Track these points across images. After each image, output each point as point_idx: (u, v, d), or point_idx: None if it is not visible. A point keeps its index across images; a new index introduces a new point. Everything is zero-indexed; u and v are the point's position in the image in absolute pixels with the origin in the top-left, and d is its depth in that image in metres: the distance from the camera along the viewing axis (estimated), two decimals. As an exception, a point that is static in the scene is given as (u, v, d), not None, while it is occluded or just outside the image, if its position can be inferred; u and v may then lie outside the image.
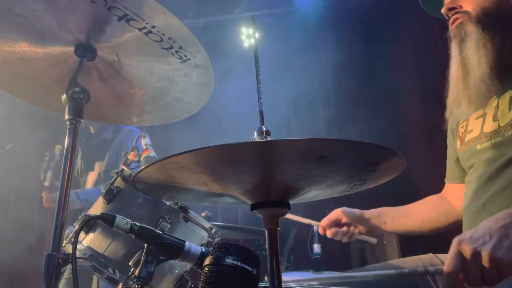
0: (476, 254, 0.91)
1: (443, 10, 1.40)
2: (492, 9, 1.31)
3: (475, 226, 1.27)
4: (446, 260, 1.35)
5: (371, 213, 1.57)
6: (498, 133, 1.27)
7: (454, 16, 1.37)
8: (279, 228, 0.85)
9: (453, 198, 1.53)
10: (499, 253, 0.90)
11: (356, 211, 1.56)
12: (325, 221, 1.59)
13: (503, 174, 1.24)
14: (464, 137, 1.41)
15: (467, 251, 0.92)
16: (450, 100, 1.41)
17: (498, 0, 1.32)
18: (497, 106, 1.29)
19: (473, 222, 1.31)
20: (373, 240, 1.59)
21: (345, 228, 1.56)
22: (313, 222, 1.65)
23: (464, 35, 1.34)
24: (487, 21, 1.31)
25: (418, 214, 1.56)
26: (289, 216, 1.55)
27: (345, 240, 1.58)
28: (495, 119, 1.29)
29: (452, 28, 1.39)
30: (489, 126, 1.30)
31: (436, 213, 1.54)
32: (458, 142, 1.45)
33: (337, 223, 1.57)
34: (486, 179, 1.28)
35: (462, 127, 1.44)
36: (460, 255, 0.93)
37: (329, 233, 1.58)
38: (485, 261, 0.90)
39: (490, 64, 1.28)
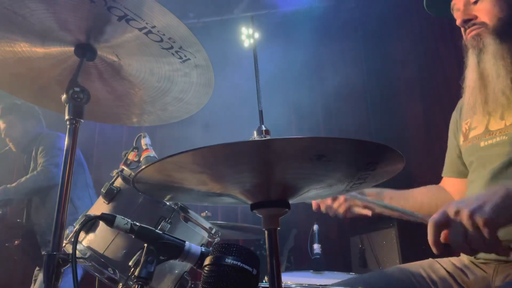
0: (458, 213, 0.93)
1: (458, 23, 1.39)
2: (508, 19, 1.31)
3: None
4: (446, 264, 1.36)
5: (369, 191, 1.52)
6: (503, 132, 1.28)
7: (473, 27, 1.35)
8: (279, 228, 0.85)
9: (451, 191, 1.53)
10: (478, 213, 0.91)
11: None
12: None
13: (508, 173, 1.23)
14: (468, 133, 1.41)
15: (451, 210, 0.94)
16: (466, 109, 1.41)
17: (511, 10, 1.31)
18: (506, 105, 1.29)
19: None
20: (368, 213, 1.54)
21: (341, 199, 1.46)
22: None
23: (483, 47, 1.33)
24: (505, 32, 1.30)
25: (417, 198, 1.55)
26: None
27: (340, 211, 1.47)
28: (502, 118, 1.30)
29: (468, 38, 1.38)
30: (496, 124, 1.31)
31: (434, 200, 1.53)
32: (461, 138, 1.45)
33: (333, 198, 1.48)
34: (490, 178, 1.27)
35: (466, 123, 1.44)
36: (444, 213, 0.96)
37: (322, 206, 1.50)
38: (464, 219, 0.92)
39: (511, 76, 1.27)
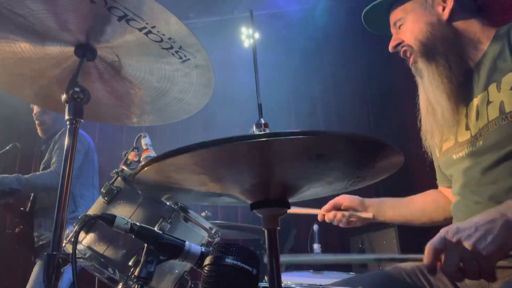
0: (458, 243, 0.93)
1: (391, 50, 1.45)
2: (427, 39, 1.34)
3: None
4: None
5: (371, 201, 1.58)
6: (470, 143, 1.27)
7: (403, 50, 1.40)
8: (279, 228, 0.85)
9: (449, 196, 1.52)
10: (481, 245, 0.91)
11: (357, 198, 1.58)
12: (326, 206, 1.60)
13: (483, 185, 1.22)
14: (441, 146, 1.41)
15: (451, 237, 0.94)
16: (423, 132, 1.45)
17: (431, 25, 1.34)
18: (467, 114, 1.29)
19: None
20: (369, 215, 1.58)
21: (341, 214, 1.56)
22: (315, 211, 1.64)
23: (421, 73, 1.37)
24: (428, 52, 1.33)
25: (418, 205, 1.57)
26: (293, 210, 1.53)
27: (342, 225, 1.58)
28: (467, 128, 1.29)
29: (410, 66, 1.42)
30: (463, 135, 1.30)
31: (434, 205, 1.55)
32: (437, 150, 1.46)
33: (336, 208, 1.58)
34: (468, 192, 1.27)
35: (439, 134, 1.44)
36: (443, 239, 0.95)
37: (327, 217, 1.59)
38: (466, 250, 0.91)
39: (447, 94, 1.29)
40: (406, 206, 1.58)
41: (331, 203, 1.59)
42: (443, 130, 1.34)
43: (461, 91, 1.29)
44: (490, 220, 0.96)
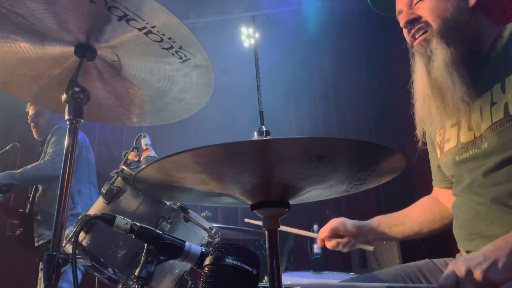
0: (469, 273, 0.94)
1: (402, 24, 1.33)
2: (453, 20, 1.24)
3: (465, 239, 1.26)
4: (442, 265, 1.35)
5: (369, 225, 1.55)
6: (474, 144, 1.23)
7: (419, 26, 1.28)
8: (279, 228, 0.85)
9: (444, 200, 1.51)
10: (492, 274, 0.93)
11: (355, 224, 1.53)
12: (323, 233, 1.56)
13: (485, 187, 1.21)
14: (443, 146, 1.37)
15: (461, 269, 0.94)
16: (419, 118, 1.36)
17: (457, 8, 1.25)
18: (469, 114, 1.25)
19: (462, 237, 1.29)
20: (371, 248, 1.58)
21: (345, 239, 1.54)
22: (312, 235, 1.64)
23: (431, 54, 1.26)
24: (450, 34, 1.24)
25: (415, 220, 1.54)
26: (286, 229, 1.53)
27: (345, 250, 1.56)
28: (470, 128, 1.25)
29: (415, 45, 1.32)
30: (465, 136, 1.26)
31: (431, 216, 1.52)
32: (438, 151, 1.42)
33: (336, 235, 1.55)
34: (471, 193, 1.25)
35: (439, 135, 1.40)
36: (454, 274, 0.96)
37: (329, 245, 1.56)
38: (479, 279, 0.93)
39: (466, 80, 1.22)
40: (403, 223, 1.55)
41: (328, 229, 1.55)
42: (451, 113, 1.26)
43: (472, 85, 1.23)
44: (497, 248, 0.97)
